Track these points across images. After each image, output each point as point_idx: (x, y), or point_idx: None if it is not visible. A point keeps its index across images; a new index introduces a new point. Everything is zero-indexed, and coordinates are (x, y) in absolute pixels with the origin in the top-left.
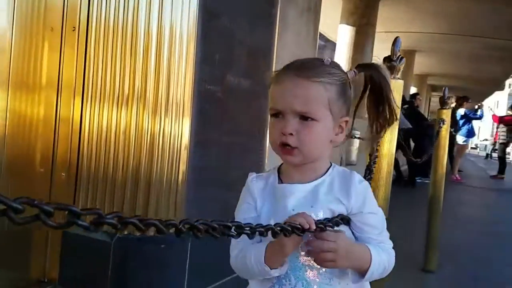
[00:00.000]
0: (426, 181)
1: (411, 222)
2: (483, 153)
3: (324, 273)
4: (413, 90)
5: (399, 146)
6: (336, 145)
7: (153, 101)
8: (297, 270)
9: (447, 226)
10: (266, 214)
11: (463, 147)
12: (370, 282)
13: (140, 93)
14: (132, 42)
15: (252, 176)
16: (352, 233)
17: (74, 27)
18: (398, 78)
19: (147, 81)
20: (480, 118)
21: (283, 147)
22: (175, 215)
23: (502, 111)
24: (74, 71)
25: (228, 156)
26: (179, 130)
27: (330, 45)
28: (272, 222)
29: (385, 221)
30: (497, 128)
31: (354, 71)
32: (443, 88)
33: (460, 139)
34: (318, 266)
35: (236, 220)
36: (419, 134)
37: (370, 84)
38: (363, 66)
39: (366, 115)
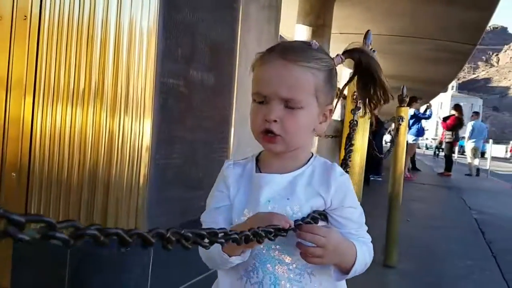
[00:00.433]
0: (378, 179)
1: (369, 218)
2: (430, 152)
3: (294, 269)
4: None
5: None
6: (318, 133)
7: (112, 98)
8: (266, 263)
9: (402, 221)
10: (240, 204)
11: (413, 146)
12: None
13: (97, 90)
14: (88, 34)
15: (228, 162)
16: None
17: (25, 16)
18: None
19: (105, 76)
20: (429, 117)
21: (265, 134)
22: (136, 220)
23: (446, 112)
24: (25, 64)
25: (192, 154)
26: (139, 128)
27: None
28: (247, 213)
29: (364, 215)
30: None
31: (341, 57)
32: (402, 86)
33: (410, 138)
34: (288, 262)
35: (208, 209)
36: (373, 132)
37: (360, 68)
38: (349, 51)
39: None
